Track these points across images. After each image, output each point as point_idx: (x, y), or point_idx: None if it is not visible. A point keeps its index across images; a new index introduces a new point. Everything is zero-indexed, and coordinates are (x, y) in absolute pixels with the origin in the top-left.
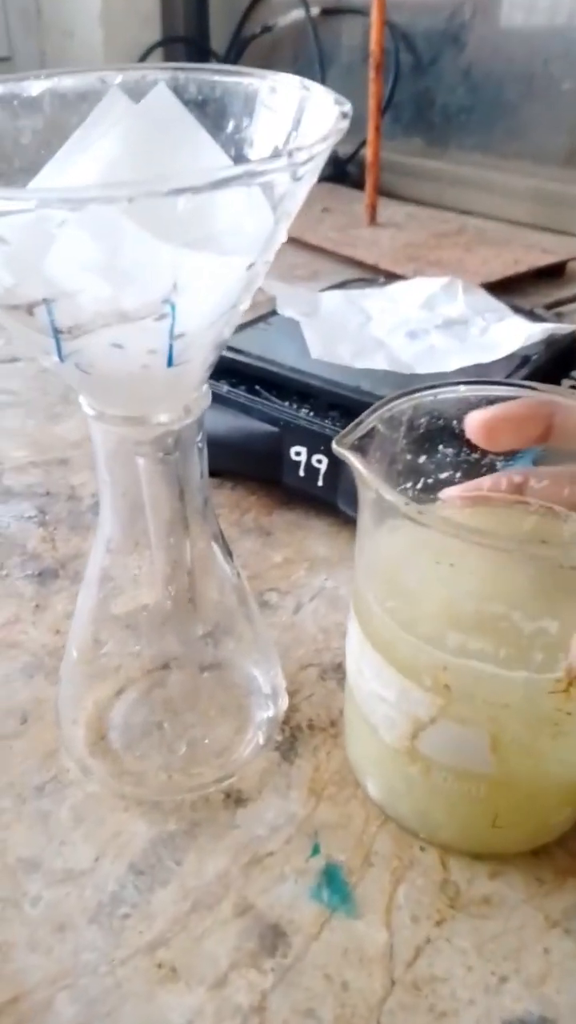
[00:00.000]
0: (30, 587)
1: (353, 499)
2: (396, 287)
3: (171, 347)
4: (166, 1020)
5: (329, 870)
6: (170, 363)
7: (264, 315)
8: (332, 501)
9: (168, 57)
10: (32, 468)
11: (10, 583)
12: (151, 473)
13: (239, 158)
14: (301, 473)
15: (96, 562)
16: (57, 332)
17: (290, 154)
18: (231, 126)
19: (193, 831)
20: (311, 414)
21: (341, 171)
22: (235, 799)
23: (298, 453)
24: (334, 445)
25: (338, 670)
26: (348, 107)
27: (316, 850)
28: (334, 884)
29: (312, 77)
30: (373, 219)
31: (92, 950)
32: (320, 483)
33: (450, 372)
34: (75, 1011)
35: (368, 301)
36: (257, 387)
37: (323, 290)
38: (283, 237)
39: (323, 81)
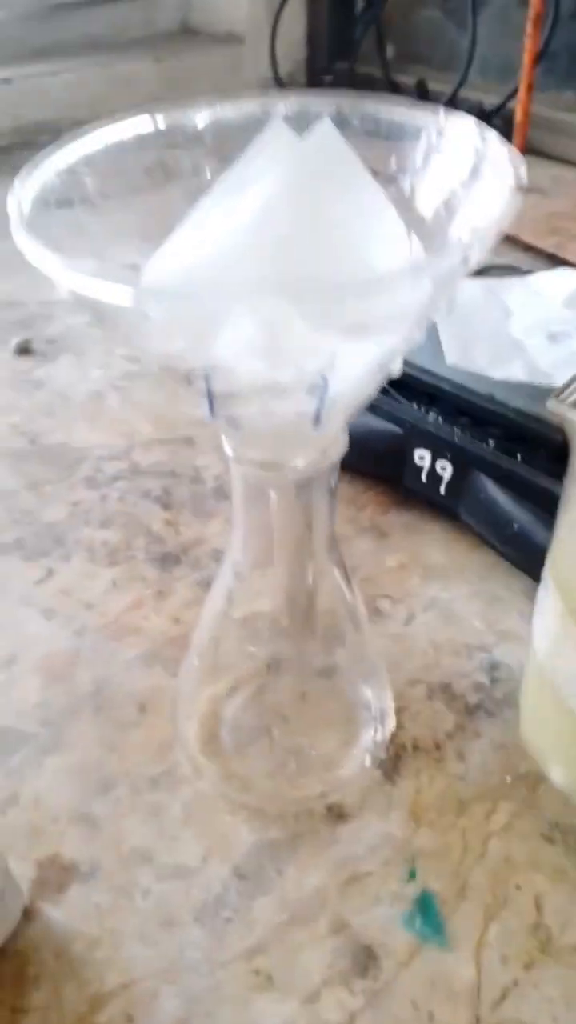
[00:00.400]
0: (153, 571)
1: (478, 510)
2: (538, 278)
3: (319, 411)
4: None
5: (424, 898)
6: (317, 423)
7: None
8: (454, 510)
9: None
10: (158, 446)
11: (135, 566)
12: (282, 508)
13: (401, 201)
14: (423, 478)
15: (223, 582)
16: (211, 395)
17: (464, 246)
18: (394, 164)
19: (294, 842)
20: (439, 419)
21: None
22: (336, 814)
23: (421, 457)
24: (550, 404)
25: (446, 690)
26: (523, 170)
27: (413, 875)
28: (428, 913)
29: (463, 19)
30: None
31: (196, 948)
32: (443, 491)
33: None
34: (178, 1005)
35: (508, 294)
36: (386, 385)
37: None
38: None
39: (474, 26)
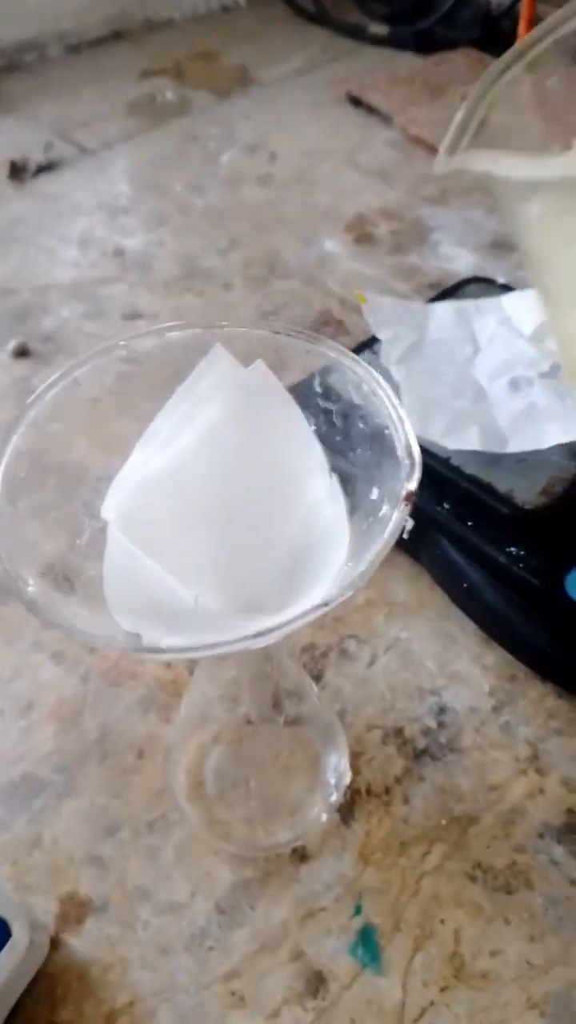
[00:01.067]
0: None
1: (435, 562)
2: (510, 300)
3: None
4: None
5: (366, 930)
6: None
7: (369, 341)
8: (416, 555)
9: None
10: None
11: None
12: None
13: (328, 438)
14: None
15: (201, 679)
16: None
17: (325, 604)
18: (322, 395)
19: (265, 880)
20: None
21: (491, 31)
22: (300, 855)
23: None
24: (438, 165)
25: (398, 735)
26: (414, 485)
27: (358, 911)
28: (368, 943)
29: None
30: None
31: (185, 972)
32: (405, 536)
33: (545, 450)
34: (172, 1020)
35: (480, 321)
36: None
37: (439, 296)
38: None
39: None
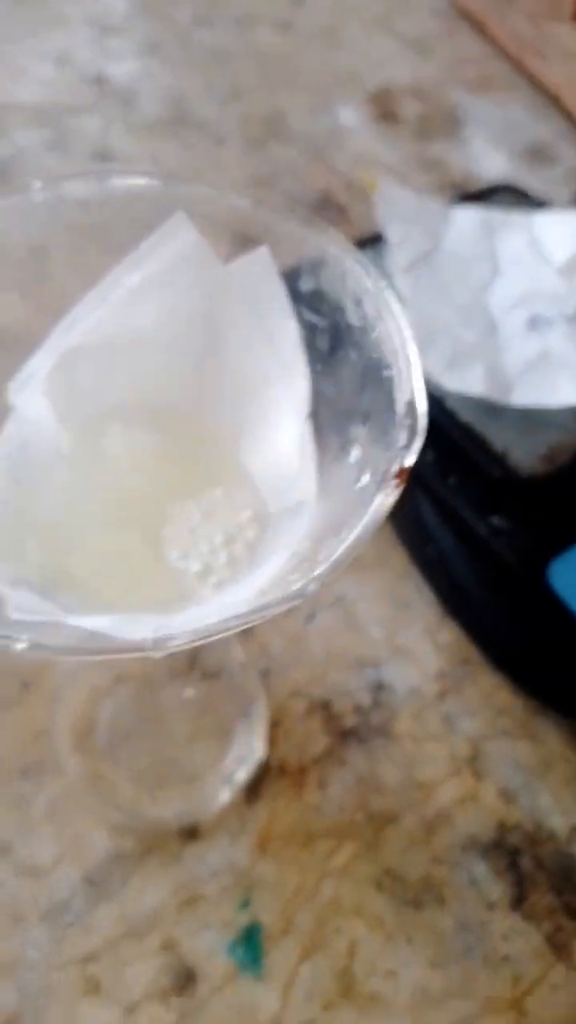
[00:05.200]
0: None
1: (404, 519)
2: (543, 222)
3: None
4: None
5: (250, 929)
6: None
7: (372, 238)
8: None
9: None
10: None
11: None
12: None
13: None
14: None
15: None
16: None
17: (301, 593)
18: (309, 306)
19: (144, 855)
20: None
21: None
22: (189, 832)
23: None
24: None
25: (325, 708)
26: (411, 460)
27: (245, 904)
28: (250, 944)
29: None
30: None
31: (37, 948)
32: None
33: (553, 409)
34: (12, 999)
35: (505, 238)
36: None
37: (462, 199)
38: None
39: None
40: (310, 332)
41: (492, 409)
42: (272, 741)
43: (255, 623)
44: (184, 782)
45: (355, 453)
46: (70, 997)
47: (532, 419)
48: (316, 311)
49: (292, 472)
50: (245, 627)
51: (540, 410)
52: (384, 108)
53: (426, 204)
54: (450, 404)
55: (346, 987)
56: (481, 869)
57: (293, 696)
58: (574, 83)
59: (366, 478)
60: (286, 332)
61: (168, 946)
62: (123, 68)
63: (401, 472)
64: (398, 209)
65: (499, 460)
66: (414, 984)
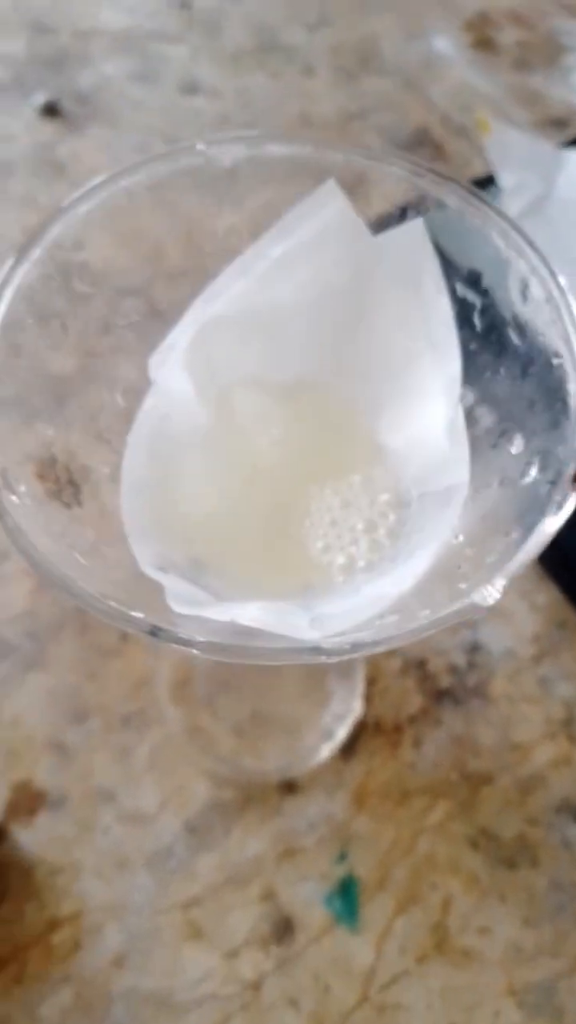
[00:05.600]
0: None
1: None
2: None
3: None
4: (185, 972)
5: (346, 882)
6: None
7: (482, 181)
8: None
9: None
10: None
11: None
12: None
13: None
14: None
15: None
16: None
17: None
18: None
19: (244, 805)
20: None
21: None
22: (287, 785)
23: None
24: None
25: (420, 668)
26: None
27: (343, 858)
28: (347, 897)
29: None
30: None
31: (142, 892)
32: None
33: None
34: (120, 940)
35: None
36: None
37: (571, 143)
38: None
39: None
40: (465, 309)
41: None
42: (368, 699)
43: (429, 634)
44: (283, 736)
45: (518, 443)
46: (174, 940)
47: None
48: (474, 288)
49: (440, 455)
50: (419, 638)
51: None
52: (481, 35)
53: (539, 147)
54: None
55: (439, 941)
56: (574, 831)
57: (388, 655)
58: None
59: (534, 472)
60: (438, 307)
61: (267, 896)
62: None
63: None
64: (512, 154)
65: None
66: (507, 941)
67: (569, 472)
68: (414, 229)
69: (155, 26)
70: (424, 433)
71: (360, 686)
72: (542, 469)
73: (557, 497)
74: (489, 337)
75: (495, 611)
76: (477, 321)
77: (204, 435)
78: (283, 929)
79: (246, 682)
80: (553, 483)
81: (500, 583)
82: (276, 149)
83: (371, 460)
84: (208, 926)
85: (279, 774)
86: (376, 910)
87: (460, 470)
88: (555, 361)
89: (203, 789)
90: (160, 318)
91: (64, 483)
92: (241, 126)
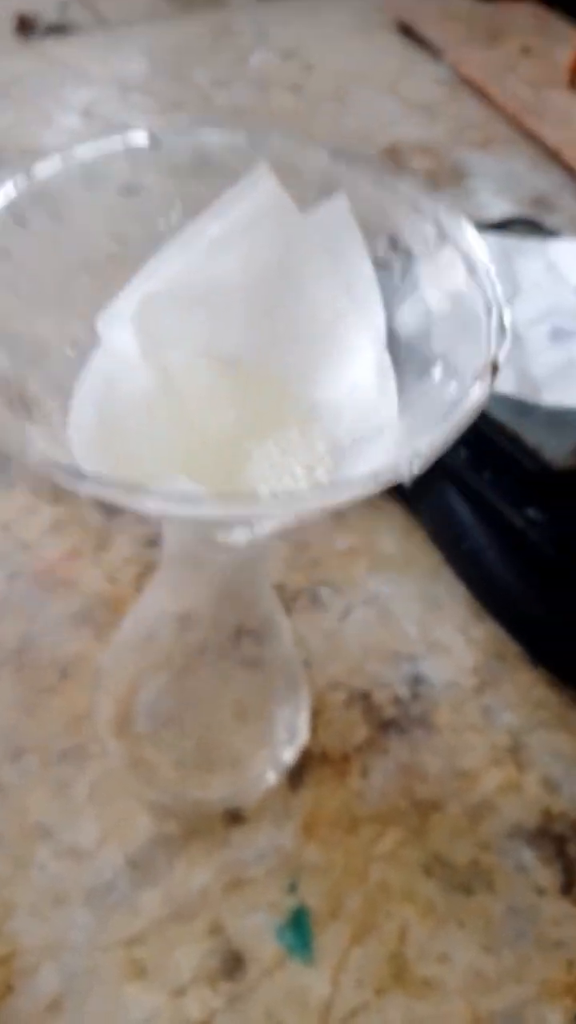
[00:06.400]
0: (96, 517)
1: (435, 516)
2: (559, 248)
3: (251, 537)
4: (127, 1013)
5: (298, 912)
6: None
7: None
8: (414, 507)
9: None
10: None
11: (78, 508)
12: (215, 571)
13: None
14: None
15: (153, 600)
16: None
17: (412, 464)
18: (384, 246)
19: (189, 838)
20: None
21: None
22: (233, 815)
23: None
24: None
25: (365, 699)
26: (504, 352)
27: (293, 889)
28: (299, 928)
29: None
30: (573, 82)
31: (80, 930)
32: (407, 484)
33: None
34: (56, 981)
35: (523, 262)
36: None
37: (480, 229)
38: None
39: None
40: (385, 267)
41: (523, 409)
42: (313, 730)
43: (352, 497)
44: (228, 766)
45: (438, 371)
46: (115, 980)
47: (561, 419)
48: (393, 247)
49: (371, 402)
50: (341, 502)
51: (567, 410)
52: (393, 162)
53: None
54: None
55: (398, 971)
56: (528, 856)
57: (332, 688)
58: (572, 142)
59: (452, 387)
60: (361, 272)
61: (215, 929)
62: (147, 122)
63: (491, 366)
64: None
65: (533, 454)
66: (467, 968)
67: (484, 365)
68: (338, 204)
69: None
70: (355, 384)
71: (306, 712)
72: (459, 381)
73: (475, 387)
74: (407, 283)
75: (435, 646)
76: (396, 275)
77: (148, 399)
78: (233, 964)
79: (189, 714)
80: (470, 383)
81: (423, 451)
82: (214, 136)
83: (308, 417)
84: (152, 963)
85: (225, 804)
86: (330, 941)
87: (389, 409)
88: (464, 289)
89: (145, 822)
90: (109, 280)
91: (16, 399)
92: None
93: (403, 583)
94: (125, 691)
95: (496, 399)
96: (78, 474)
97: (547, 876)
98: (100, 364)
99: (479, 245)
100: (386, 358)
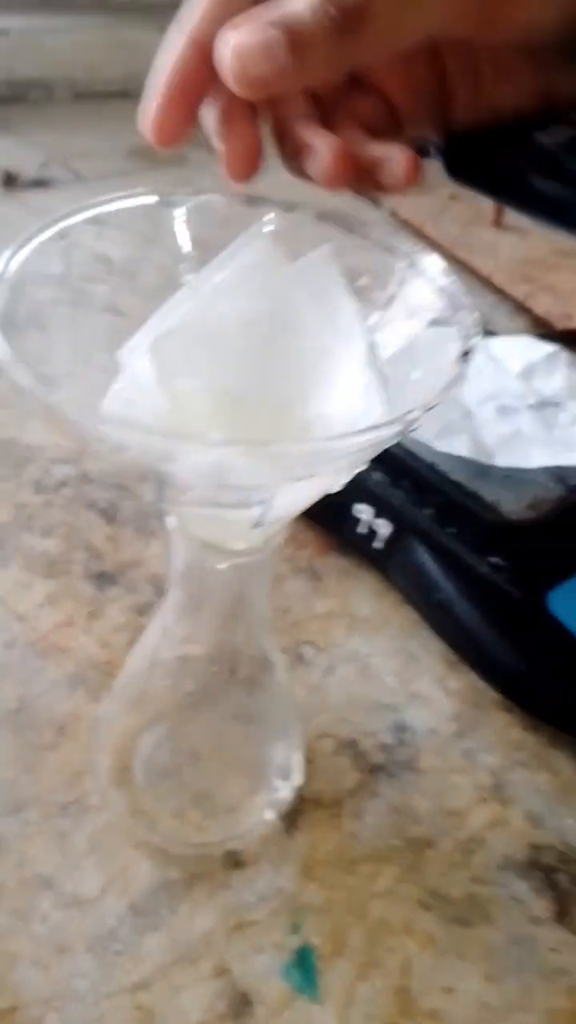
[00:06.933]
0: (88, 589)
1: (407, 572)
2: (500, 344)
3: (261, 520)
4: None
5: (303, 952)
6: (258, 527)
7: None
8: (384, 567)
9: None
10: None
11: (71, 581)
12: (220, 581)
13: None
14: (360, 530)
15: (150, 643)
16: (162, 491)
17: (410, 416)
18: (364, 282)
19: (191, 883)
20: (384, 477)
21: None
22: (234, 860)
23: (362, 511)
24: None
25: (353, 747)
26: (476, 341)
27: (296, 929)
28: (305, 966)
29: None
30: (499, 221)
31: (84, 978)
32: (377, 545)
33: (531, 469)
34: None
35: None
36: None
37: None
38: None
39: None
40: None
41: (478, 471)
42: (306, 777)
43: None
44: (225, 812)
45: (416, 374)
46: None
47: (513, 478)
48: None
49: (361, 412)
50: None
51: (519, 471)
52: None
53: None
54: (442, 467)
55: (405, 1005)
56: (521, 887)
57: (321, 737)
58: (499, 269)
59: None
60: (344, 308)
61: (221, 972)
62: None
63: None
64: None
65: (491, 508)
66: (474, 999)
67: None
68: (323, 253)
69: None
70: (345, 401)
71: (299, 752)
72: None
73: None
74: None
75: (415, 696)
76: (377, 305)
77: (160, 420)
78: (240, 1005)
79: (186, 764)
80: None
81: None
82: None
83: (303, 433)
84: (159, 1009)
85: (223, 848)
86: (336, 978)
87: (377, 413)
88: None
89: (146, 870)
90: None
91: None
92: None
93: (381, 641)
94: (122, 744)
95: (455, 461)
96: (127, 423)
97: (541, 906)
98: (120, 389)
99: (443, 267)
100: (372, 374)
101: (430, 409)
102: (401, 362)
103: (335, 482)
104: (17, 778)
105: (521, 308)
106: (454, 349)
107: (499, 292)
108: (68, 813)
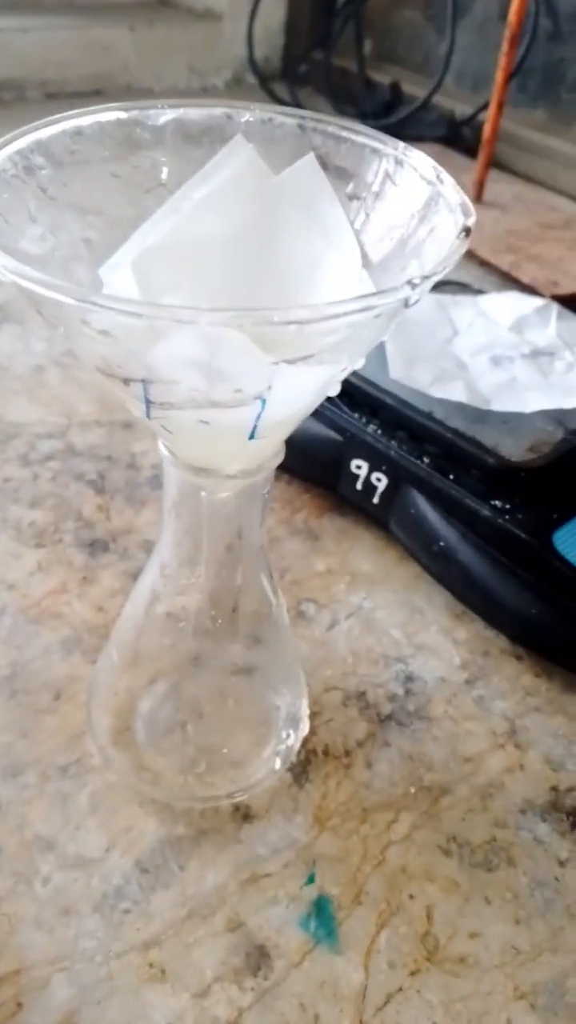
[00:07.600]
0: (80, 557)
1: (407, 524)
2: (489, 300)
3: (256, 427)
4: (149, 1019)
5: (320, 901)
6: (252, 437)
7: None
8: (384, 521)
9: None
10: (96, 427)
11: (62, 550)
12: (214, 512)
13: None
14: (358, 487)
15: (149, 576)
16: (149, 402)
17: (411, 285)
18: (351, 186)
19: (199, 838)
20: (378, 430)
21: (455, 133)
22: (243, 814)
23: (358, 466)
24: None
25: (361, 698)
26: (472, 219)
27: (311, 879)
28: (322, 916)
29: (442, 26)
30: (479, 197)
31: (91, 938)
32: (376, 500)
33: (527, 414)
34: (70, 994)
35: (458, 311)
36: None
37: None
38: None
39: (453, 34)
40: (356, 205)
41: (476, 416)
42: (313, 730)
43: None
44: (231, 768)
45: (412, 268)
46: (133, 986)
47: (511, 423)
48: (357, 191)
49: None
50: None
51: (517, 415)
52: None
53: None
54: (439, 414)
55: (431, 951)
56: (544, 829)
57: (328, 690)
58: (483, 242)
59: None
60: (332, 216)
61: (235, 926)
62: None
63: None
64: None
65: (492, 452)
66: (502, 942)
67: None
68: (307, 162)
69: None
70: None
71: (304, 713)
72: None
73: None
74: (377, 211)
75: (422, 647)
76: (366, 207)
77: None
78: (257, 958)
79: (188, 720)
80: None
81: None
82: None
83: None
84: (172, 965)
85: (231, 800)
86: (356, 926)
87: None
88: (431, 199)
89: (153, 827)
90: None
91: None
92: None
93: (383, 595)
94: (122, 705)
95: (451, 407)
96: (118, 300)
97: (566, 847)
98: None
99: (429, 162)
100: (365, 276)
101: (429, 279)
102: (392, 264)
103: (335, 372)
104: (13, 742)
105: (508, 278)
106: (448, 236)
107: (485, 264)
108: (68, 775)
